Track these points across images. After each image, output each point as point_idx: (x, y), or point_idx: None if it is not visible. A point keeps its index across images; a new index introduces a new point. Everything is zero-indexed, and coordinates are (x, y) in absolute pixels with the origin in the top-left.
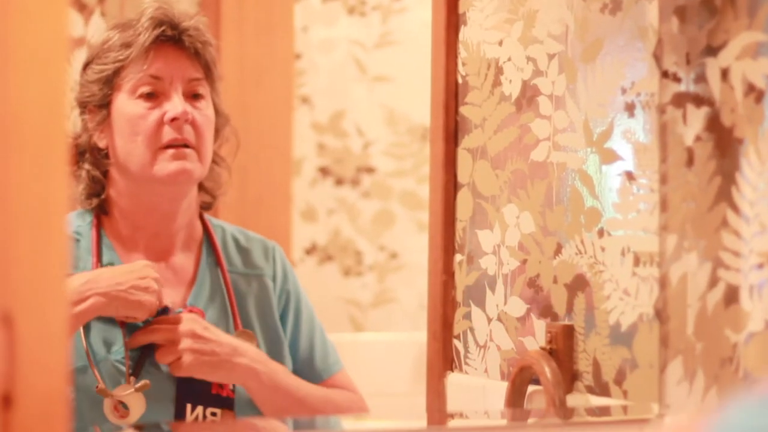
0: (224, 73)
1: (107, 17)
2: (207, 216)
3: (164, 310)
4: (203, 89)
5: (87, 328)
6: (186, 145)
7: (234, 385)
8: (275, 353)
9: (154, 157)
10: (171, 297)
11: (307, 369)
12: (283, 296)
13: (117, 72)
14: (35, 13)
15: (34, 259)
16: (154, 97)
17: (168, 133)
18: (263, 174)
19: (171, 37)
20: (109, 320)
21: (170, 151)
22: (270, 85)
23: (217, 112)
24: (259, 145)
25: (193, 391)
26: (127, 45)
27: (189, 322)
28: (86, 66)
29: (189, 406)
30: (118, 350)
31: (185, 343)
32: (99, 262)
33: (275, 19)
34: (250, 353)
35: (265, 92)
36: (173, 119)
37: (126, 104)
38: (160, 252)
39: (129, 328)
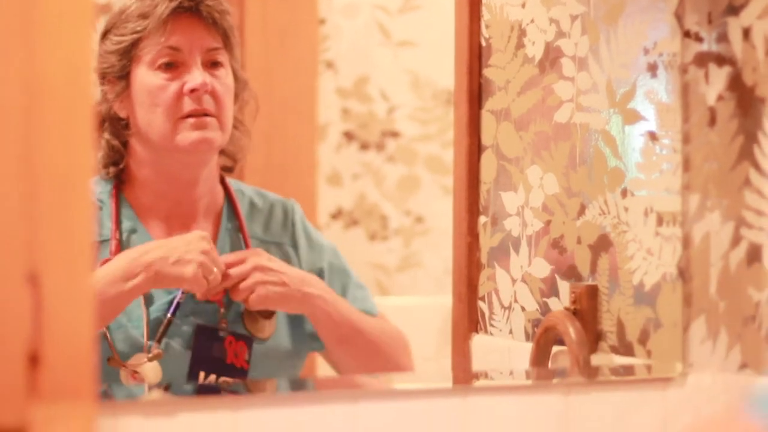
0: (248, 39)
1: None
2: (228, 179)
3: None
4: (222, 57)
5: None
6: (206, 114)
7: (249, 357)
8: (292, 320)
9: (174, 127)
10: None
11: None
12: (307, 262)
13: (135, 43)
14: None
15: (59, 220)
16: (173, 67)
17: (188, 104)
18: (288, 139)
19: (188, 7)
20: None
21: (191, 120)
22: (294, 50)
23: (236, 77)
24: (284, 110)
25: (208, 360)
26: (144, 16)
27: (254, 257)
28: (104, 35)
29: (202, 374)
30: (138, 318)
31: (255, 277)
32: (118, 229)
33: None
34: (317, 283)
35: (290, 57)
36: (193, 90)
37: (145, 76)
38: (183, 219)
39: (149, 299)
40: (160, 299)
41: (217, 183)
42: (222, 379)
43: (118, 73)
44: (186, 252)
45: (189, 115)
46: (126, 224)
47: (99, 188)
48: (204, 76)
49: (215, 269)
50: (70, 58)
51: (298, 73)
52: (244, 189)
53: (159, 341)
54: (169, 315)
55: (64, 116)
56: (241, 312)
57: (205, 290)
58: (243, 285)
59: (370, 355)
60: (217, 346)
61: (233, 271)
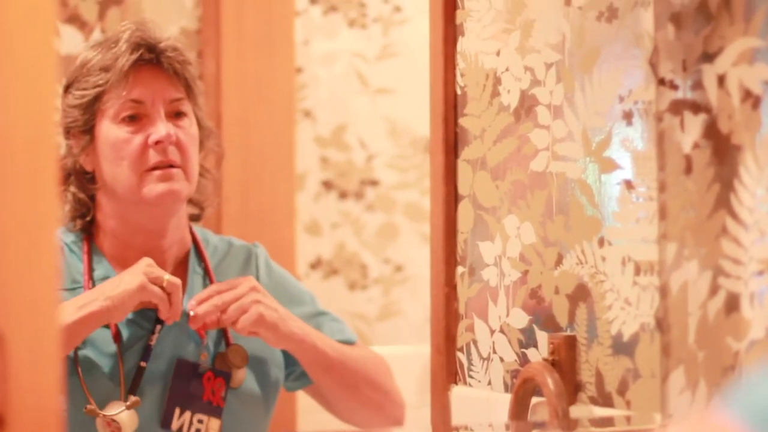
0: (225, 88)
1: (107, 34)
2: (194, 228)
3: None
4: (185, 107)
5: (80, 345)
6: (172, 166)
7: (225, 394)
8: (266, 361)
9: (141, 179)
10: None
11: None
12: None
13: (97, 97)
14: (23, 31)
15: (24, 278)
16: (136, 120)
17: (153, 156)
18: (267, 188)
19: (149, 59)
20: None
21: (157, 173)
22: (272, 99)
23: (201, 126)
24: (262, 159)
25: (186, 397)
26: (105, 69)
27: (248, 281)
28: (67, 89)
29: (177, 411)
30: (112, 366)
31: (251, 296)
32: (91, 277)
33: (276, 32)
34: (297, 320)
35: (267, 106)
36: (157, 142)
37: (109, 129)
38: None
39: (123, 345)
40: (135, 343)
41: (187, 232)
42: (197, 416)
43: (82, 128)
44: (130, 273)
45: (155, 167)
46: (98, 272)
47: (69, 237)
48: (168, 128)
49: (166, 276)
50: (34, 111)
51: (275, 122)
52: (209, 237)
53: (134, 391)
54: (142, 362)
55: (28, 173)
56: (213, 357)
57: (168, 307)
58: (236, 304)
59: (357, 382)
60: (195, 382)
61: (227, 294)
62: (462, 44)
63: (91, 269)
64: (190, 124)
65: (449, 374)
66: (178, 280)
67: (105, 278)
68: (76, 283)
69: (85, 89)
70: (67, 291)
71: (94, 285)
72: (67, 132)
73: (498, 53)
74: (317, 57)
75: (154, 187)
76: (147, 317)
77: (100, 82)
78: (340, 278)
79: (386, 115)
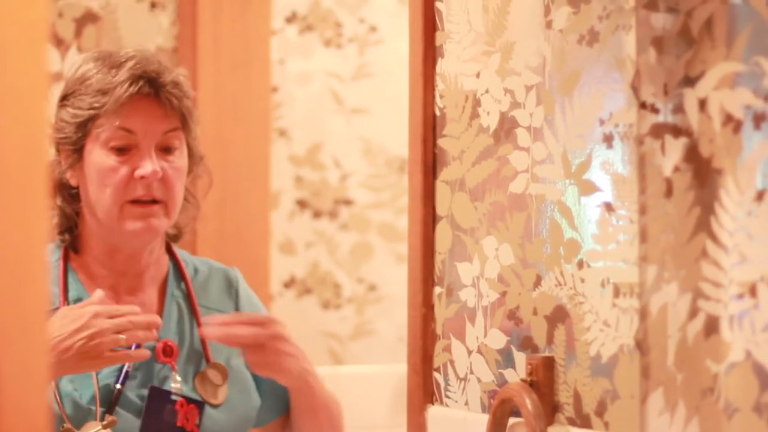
0: (201, 107)
1: (83, 51)
2: (175, 248)
3: (136, 346)
4: (177, 139)
5: None
6: (154, 201)
7: (199, 421)
8: (242, 388)
9: (121, 210)
10: None
11: (278, 395)
12: None
13: (91, 119)
14: (14, 48)
15: (14, 293)
16: (126, 151)
17: (137, 189)
18: (241, 207)
19: (147, 93)
20: None
21: (137, 209)
22: (247, 119)
23: (191, 153)
24: (237, 178)
25: (160, 422)
26: (103, 92)
27: (276, 325)
28: (62, 100)
29: None
30: (86, 387)
31: (280, 347)
32: (66, 298)
33: (252, 52)
34: (307, 360)
35: (243, 125)
36: (143, 177)
37: (98, 155)
38: (128, 289)
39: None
40: (110, 367)
41: (163, 252)
42: None
43: (73, 146)
44: (82, 330)
45: (137, 200)
46: (72, 293)
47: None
48: (155, 164)
49: (122, 319)
50: (25, 129)
51: (250, 141)
52: (186, 258)
53: (111, 411)
54: (118, 385)
55: (19, 185)
56: (193, 376)
57: (141, 337)
58: (260, 351)
59: (328, 423)
60: (168, 408)
61: (246, 332)
62: (441, 66)
63: (66, 289)
64: (179, 157)
65: (426, 394)
66: (145, 318)
67: (78, 300)
68: (51, 305)
69: (80, 108)
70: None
71: (68, 305)
72: (57, 146)
73: (477, 75)
74: (293, 76)
75: (132, 223)
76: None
77: (96, 105)
78: (313, 297)
79: (361, 135)
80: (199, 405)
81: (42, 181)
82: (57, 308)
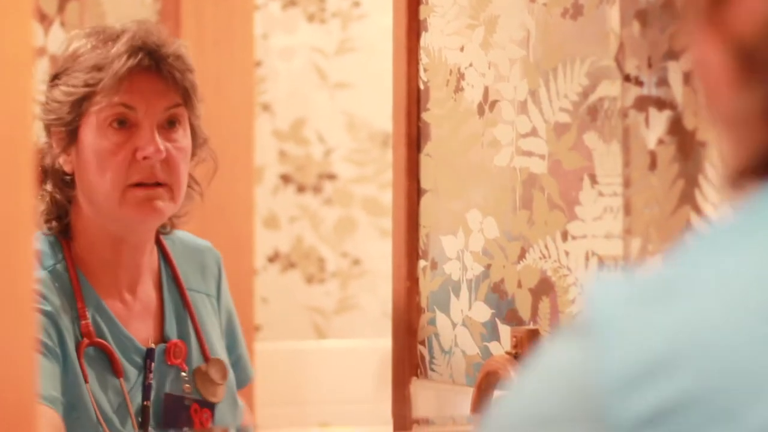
0: None
1: (67, 27)
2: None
3: (150, 351)
4: (180, 116)
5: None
6: (158, 184)
7: (213, 424)
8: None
9: (122, 195)
10: (146, 332)
11: (237, 378)
12: (224, 313)
13: (86, 97)
14: None
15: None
16: (125, 127)
17: (138, 172)
18: (225, 182)
19: (148, 65)
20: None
21: (140, 192)
22: (230, 93)
23: (195, 134)
24: (221, 153)
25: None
26: (98, 68)
27: None
28: (54, 79)
29: None
30: (121, 407)
31: None
32: (86, 308)
33: (235, 26)
34: None
35: (226, 100)
36: (145, 158)
37: (95, 136)
38: (128, 284)
39: (127, 383)
40: (128, 380)
41: (153, 241)
42: None
43: (66, 127)
44: None
45: (139, 183)
46: (90, 300)
47: (50, 258)
48: (158, 143)
49: None
50: (9, 107)
51: (234, 115)
52: (173, 237)
53: (145, 429)
54: (145, 402)
55: (4, 168)
56: (192, 373)
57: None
58: None
59: None
60: (184, 415)
61: None
62: (425, 39)
63: (83, 298)
64: (183, 136)
65: (410, 367)
66: None
67: (97, 310)
68: (71, 315)
69: (74, 86)
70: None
71: (89, 317)
72: (48, 129)
73: (462, 49)
74: (276, 51)
75: (136, 208)
76: (139, 351)
77: (91, 81)
78: (297, 272)
79: (345, 110)
80: (211, 407)
81: (28, 161)
82: (78, 316)
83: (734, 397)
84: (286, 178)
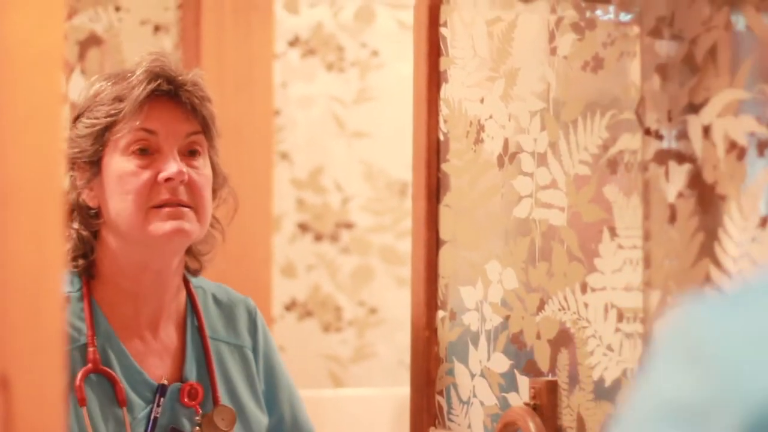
0: None
1: (87, 74)
2: (189, 277)
3: (163, 387)
4: (200, 145)
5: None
6: (181, 205)
7: None
8: (257, 428)
9: (146, 216)
10: (162, 370)
11: None
12: (267, 369)
13: (109, 127)
14: (30, 73)
15: (30, 321)
16: (147, 153)
17: (162, 193)
18: (244, 230)
19: (167, 91)
20: (108, 404)
21: (165, 210)
22: (249, 141)
23: (215, 171)
24: (239, 200)
25: None
26: (120, 99)
27: None
28: (76, 120)
29: None
30: None
31: None
32: (95, 335)
33: (254, 75)
34: None
35: (245, 148)
36: (167, 179)
37: (118, 161)
38: (149, 323)
39: (131, 414)
40: (133, 411)
41: (182, 282)
42: None
43: (89, 158)
44: None
45: (163, 205)
46: (101, 327)
47: (68, 287)
48: (180, 165)
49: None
50: (40, 154)
51: (253, 163)
52: (204, 285)
53: None
54: None
55: (34, 216)
56: (204, 416)
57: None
58: None
59: None
60: None
61: None
62: (446, 91)
63: (94, 326)
64: (204, 165)
65: (429, 417)
66: None
67: (107, 338)
68: (79, 342)
69: (96, 118)
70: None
71: (97, 344)
72: (73, 164)
73: (482, 100)
74: (295, 100)
75: (161, 225)
76: (150, 386)
77: (113, 111)
78: (314, 320)
79: (362, 158)
80: None
81: (57, 205)
82: (86, 344)
83: None
84: (303, 227)
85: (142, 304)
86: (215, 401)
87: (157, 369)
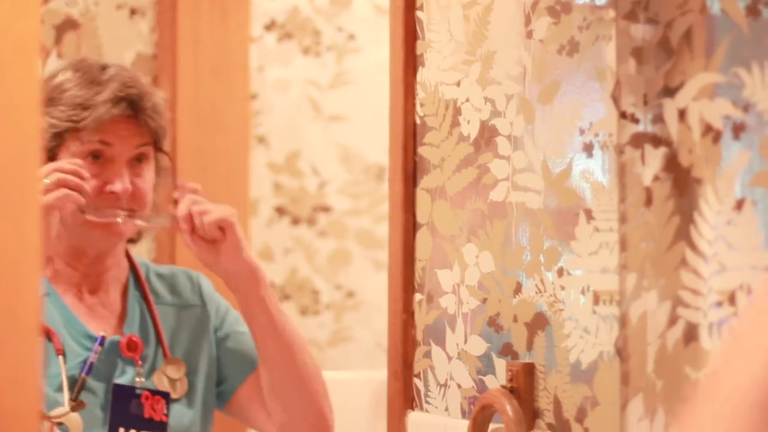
0: (180, 115)
1: (64, 58)
2: (132, 255)
3: (102, 338)
4: (148, 153)
5: None
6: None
7: (167, 410)
8: (209, 379)
9: (86, 219)
10: (105, 327)
11: (242, 353)
12: (218, 319)
13: (69, 130)
14: (6, 57)
15: (5, 309)
16: (99, 162)
17: (105, 201)
18: None
19: (128, 114)
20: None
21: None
22: (226, 126)
23: (158, 168)
24: (216, 185)
25: (127, 415)
26: (84, 107)
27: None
28: None
29: (122, 430)
30: (54, 375)
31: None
32: None
33: (231, 59)
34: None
35: (222, 132)
36: (112, 193)
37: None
38: (91, 288)
39: (66, 358)
40: (75, 358)
41: (123, 256)
42: None
43: (47, 153)
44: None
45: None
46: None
47: None
48: (126, 182)
49: (83, 176)
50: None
51: (229, 148)
52: (149, 264)
53: (75, 399)
54: (83, 374)
55: (9, 197)
56: (150, 373)
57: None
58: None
59: (293, 343)
60: (134, 402)
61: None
62: (422, 74)
63: None
64: (148, 169)
65: (406, 400)
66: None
67: (45, 294)
68: None
69: (58, 118)
70: None
71: None
72: None
73: (458, 84)
74: (271, 84)
75: (96, 229)
76: (89, 337)
77: (75, 118)
78: (291, 303)
79: (339, 142)
80: (165, 395)
81: (34, 190)
82: None
83: None
84: (280, 210)
85: (82, 275)
86: (165, 355)
87: (100, 325)
